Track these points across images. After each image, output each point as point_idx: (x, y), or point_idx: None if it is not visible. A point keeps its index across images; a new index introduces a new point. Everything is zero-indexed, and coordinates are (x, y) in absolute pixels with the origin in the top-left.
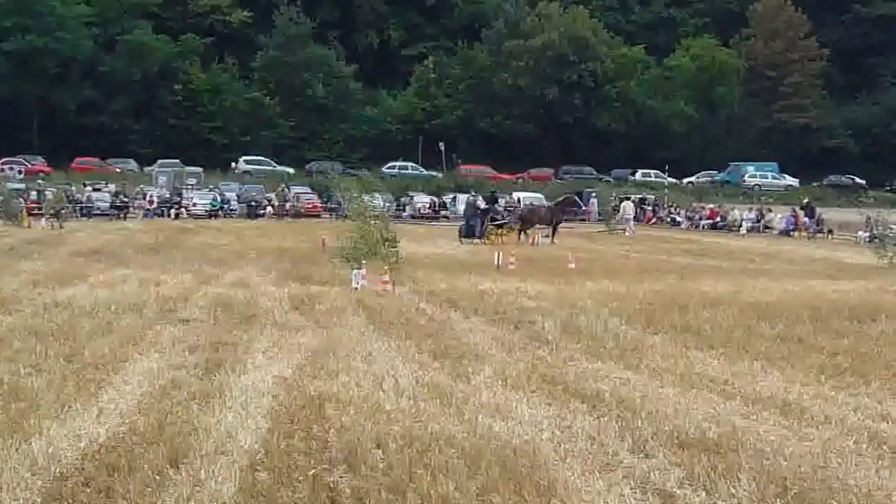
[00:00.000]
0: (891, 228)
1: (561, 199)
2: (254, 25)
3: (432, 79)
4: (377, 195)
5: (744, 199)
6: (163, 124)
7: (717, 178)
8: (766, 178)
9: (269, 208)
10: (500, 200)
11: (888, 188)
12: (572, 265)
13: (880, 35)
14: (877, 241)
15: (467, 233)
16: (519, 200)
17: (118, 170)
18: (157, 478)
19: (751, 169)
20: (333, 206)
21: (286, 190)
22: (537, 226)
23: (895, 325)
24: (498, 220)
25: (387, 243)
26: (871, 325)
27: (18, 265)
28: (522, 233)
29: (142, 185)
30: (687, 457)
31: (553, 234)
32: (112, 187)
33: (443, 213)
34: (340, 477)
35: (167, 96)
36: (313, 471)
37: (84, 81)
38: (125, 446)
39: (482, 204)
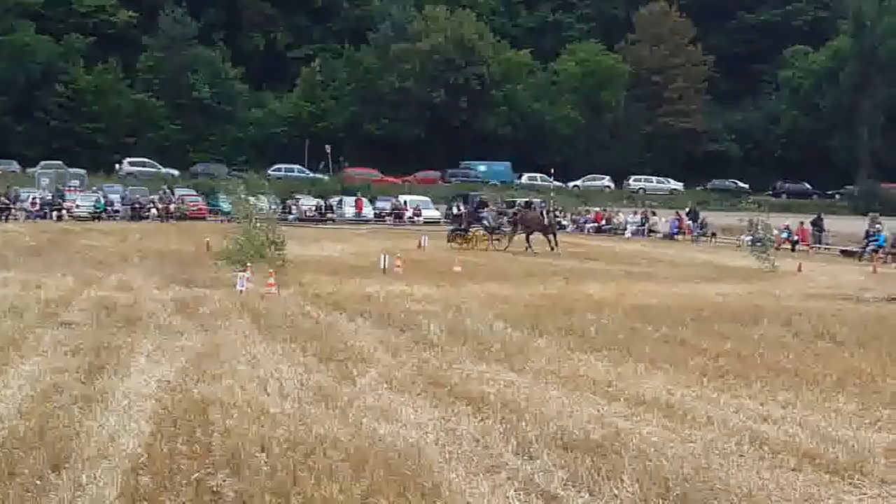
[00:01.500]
0: (773, 232)
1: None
2: (138, 26)
3: (318, 81)
4: (262, 197)
5: (629, 203)
6: (45, 125)
7: (450, 176)
8: (651, 182)
9: (154, 210)
10: (489, 205)
11: (770, 192)
12: (458, 268)
13: (763, 41)
14: (759, 244)
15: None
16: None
17: None
18: (38, 482)
19: (482, 168)
20: (218, 208)
21: (169, 192)
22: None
23: (776, 328)
24: (483, 225)
25: (273, 246)
26: (752, 328)
27: None
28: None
29: (16, 187)
30: (571, 458)
31: (554, 242)
32: None
33: (329, 215)
34: (224, 481)
35: (50, 97)
36: (196, 475)
37: None
38: (5, 451)
39: (455, 209)
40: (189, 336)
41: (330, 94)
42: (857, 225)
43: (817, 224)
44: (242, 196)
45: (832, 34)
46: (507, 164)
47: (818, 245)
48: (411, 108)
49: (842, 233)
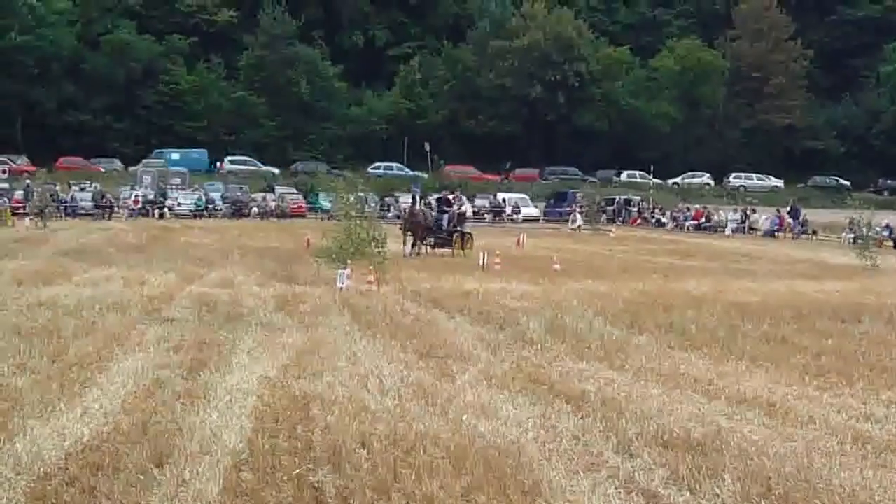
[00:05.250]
0: (875, 230)
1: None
2: (239, 25)
3: (417, 79)
4: (363, 195)
5: (729, 200)
6: (146, 123)
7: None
8: (752, 178)
9: (255, 208)
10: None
11: (872, 189)
12: (557, 266)
13: (863, 36)
14: (860, 242)
15: None
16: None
17: (102, 169)
18: (142, 478)
19: (175, 156)
20: (318, 206)
21: (269, 190)
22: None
23: (878, 325)
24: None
25: (374, 243)
26: (854, 326)
27: (2, 264)
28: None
29: (123, 187)
30: (671, 457)
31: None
32: (96, 186)
33: None
34: (325, 477)
35: (151, 96)
36: (298, 471)
37: (65, 79)
38: (109, 446)
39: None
40: (290, 333)
41: (428, 91)
42: None
43: None
44: (343, 195)
45: None
46: (204, 151)
47: None
48: (509, 105)
49: None
